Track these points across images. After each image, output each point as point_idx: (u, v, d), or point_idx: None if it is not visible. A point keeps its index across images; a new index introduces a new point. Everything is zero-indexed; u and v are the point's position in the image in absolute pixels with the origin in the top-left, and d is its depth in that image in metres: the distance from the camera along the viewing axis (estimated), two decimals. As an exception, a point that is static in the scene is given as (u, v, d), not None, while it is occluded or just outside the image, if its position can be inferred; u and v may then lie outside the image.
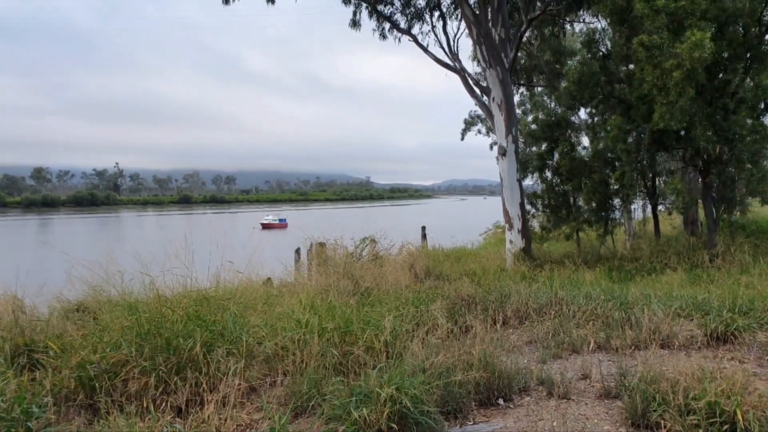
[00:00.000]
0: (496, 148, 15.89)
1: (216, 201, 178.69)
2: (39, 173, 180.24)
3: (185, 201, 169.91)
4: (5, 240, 57.75)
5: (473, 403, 4.45)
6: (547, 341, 5.95)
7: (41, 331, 5.10)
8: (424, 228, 23.71)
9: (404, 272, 11.93)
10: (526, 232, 15.65)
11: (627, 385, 4.43)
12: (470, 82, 17.16)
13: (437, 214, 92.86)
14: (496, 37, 15.23)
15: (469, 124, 46.22)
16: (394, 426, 3.62)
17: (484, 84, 16.78)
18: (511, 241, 15.49)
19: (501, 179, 15.79)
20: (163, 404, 4.08)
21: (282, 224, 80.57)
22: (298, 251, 14.66)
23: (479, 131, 47.42)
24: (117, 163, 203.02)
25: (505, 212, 15.67)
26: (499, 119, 15.50)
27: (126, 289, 5.93)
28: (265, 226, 78.42)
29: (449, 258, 16.33)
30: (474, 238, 29.07)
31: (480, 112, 46.28)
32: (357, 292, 8.36)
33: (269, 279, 10.69)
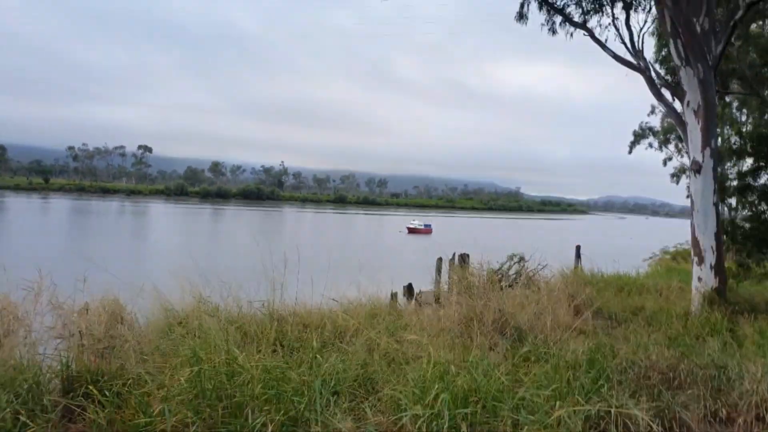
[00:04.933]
0: (670, 164, 13.15)
1: (368, 202, 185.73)
2: (216, 167, 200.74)
3: (340, 200, 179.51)
4: (169, 228, 64.15)
5: None
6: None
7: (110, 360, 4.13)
8: (578, 247, 21.22)
9: (561, 304, 9.96)
10: (720, 268, 12.49)
11: None
12: (657, 83, 14.37)
13: (594, 232, 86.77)
14: (698, 28, 12.39)
15: (639, 136, 41.57)
16: None
17: (674, 86, 13.94)
18: (699, 278, 12.46)
19: (691, 201, 12.84)
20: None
21: (427, 229, 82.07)
22: (439, 261, 13.79)
23: (650, 144, 42.50)
24: (282, 162, 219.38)
25: (695, 242, 12.69)
26: (695, 128, 12.59)
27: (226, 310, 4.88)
28: (411, 231, 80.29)
29: (610, 286, 14.26)
30: (637, 264, 25.85)
31: (652, 123, 41.10)
32: (505, 331, 6.66)
33: (395, 296, 9.48)
